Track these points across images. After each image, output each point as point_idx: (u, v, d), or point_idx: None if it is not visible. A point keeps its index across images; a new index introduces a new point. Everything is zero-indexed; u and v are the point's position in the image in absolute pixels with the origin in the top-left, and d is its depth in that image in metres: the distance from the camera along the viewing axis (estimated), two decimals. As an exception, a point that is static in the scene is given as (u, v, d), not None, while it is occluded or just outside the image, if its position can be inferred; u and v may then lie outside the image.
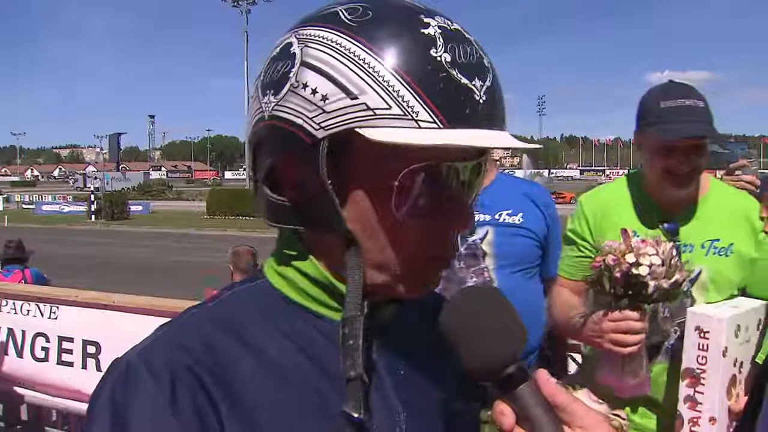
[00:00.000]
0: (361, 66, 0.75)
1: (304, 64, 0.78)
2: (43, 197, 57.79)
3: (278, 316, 0.84)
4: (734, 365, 2.09)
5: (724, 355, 2.03)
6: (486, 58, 0.80)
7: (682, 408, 2.08)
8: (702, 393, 2.06)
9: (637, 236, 1.98)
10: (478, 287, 0.84)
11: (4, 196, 58.76)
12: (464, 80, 0.76)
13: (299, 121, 0.77)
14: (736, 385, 2.12)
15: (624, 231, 1.98)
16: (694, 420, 2.07)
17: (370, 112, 0.74)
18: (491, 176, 2.78)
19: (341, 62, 0.76)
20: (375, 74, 0.75)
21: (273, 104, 0.80)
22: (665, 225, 2.29)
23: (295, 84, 0.78)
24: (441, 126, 0.75)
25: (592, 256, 2.37)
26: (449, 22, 0.79)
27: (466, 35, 0.80)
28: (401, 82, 0.74)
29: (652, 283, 1.88)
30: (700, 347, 2.06)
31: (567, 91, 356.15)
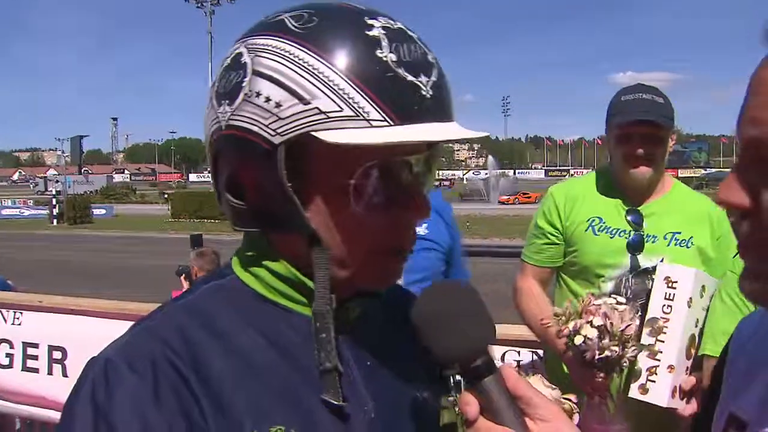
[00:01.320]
0: (311, 72, 0.78)
1: (255, 73, 0.81)
2: (3, 201, 56.56)
3: (249, 311, 0.87)
4: (696, 325, 2.16)
5: (689, 306, 2.11)
6: (430, 54, 0.84)
7: (641, 358, 2.11)
8: (663, 342, 2.11)
9: (597, 302, 2.03)
10: (452, 281, 0.88)
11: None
12: (410, 78, 0.80)
13: (255, 129, 0.80)
14: (694, 348, 2.16)
15: (588, 296, 2.06)
16: (652, 369, 2.10)
17: (323, 116, 0.78)
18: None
19: (291, 69, 0.79)
20: (325, 79, 0.78)
21: (229, 114, 0.83)
22: (630, 216, 2.48)
23: (249, 93, 0.81)
24: (392, 124, 0.79)
25: (559, 242, 2.58)
26: (392, 22, 0.83)
27: (409, 33, 0.83)
28: (350, 85, 0.78)
29: (588, 354, 1.96)
30: (667, 296, 2.13)
31: (531, 92, 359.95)
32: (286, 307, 0.88)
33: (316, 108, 0.78)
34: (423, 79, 0.81)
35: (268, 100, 0.79)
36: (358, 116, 0.78)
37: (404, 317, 0.97)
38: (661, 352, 2.11)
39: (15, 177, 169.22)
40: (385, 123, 0.78)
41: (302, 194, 0.81)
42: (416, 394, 0.95)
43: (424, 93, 0.81)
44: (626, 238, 2.47)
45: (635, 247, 2.47)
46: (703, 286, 2.19)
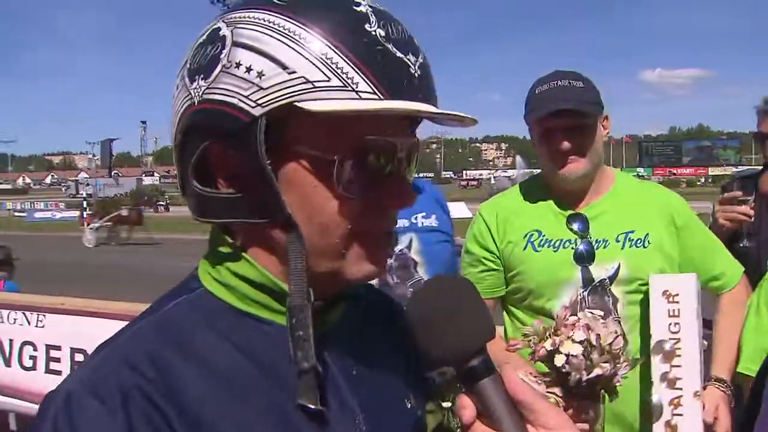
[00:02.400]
0: (297, 41, 0.74)
1: (236, 44, 0.76)
2: (36, 204, 57.48)
3: (224, 327, 0.80)
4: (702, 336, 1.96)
5: (697, 318, 1.90)
6: (415, 38, 0.80)
7: (660, 390, 1.86)
8: (680, 366, 1.85)
9: (571, 317, 1.65)
10: (448, 276, 0.82)
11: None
12: (399, 54, 0.77)
13: (234, 101, 0.75)
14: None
15: (563, 309, 1.68)
16: (675, 401, 1.83)
17: (309, 85, 0.73)
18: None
19: (276, 39, 0.74)
20: (312, 48, 0.74)
21: (204, 88, 0.77)
22: (572, 223, 2.18)
23: (228, 64, 0.75)
24: (381, 97, 0.74)
25: (498, 267, 2.24)
26: (377, 4, 0.80)
27: (393, 15, 0.81)
28: (339, 55, 0.74)
29: (572, 375, 1.57)
30: (671, 313, 1.88)
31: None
32: (264, 319, 0.82)
33: (302, 77, 0.73)
34: (411, 57, 0.78)
35: (249, 69, 0.74)
36: (346, 87, 0.74)
37: (387, 322, 0.93)
38: (681, 378, 1.85)
39: (48, 180, 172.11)
40: (375, 96, 0.74)
41: (279, 174, 0.76)
42: (404, 401, 0.91)
43: (412, 71, 0.77)
44: (572, 248, 2.14)
45: (585, 257, 2.12)
46: (698, 290, 1.98)
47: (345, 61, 0.74)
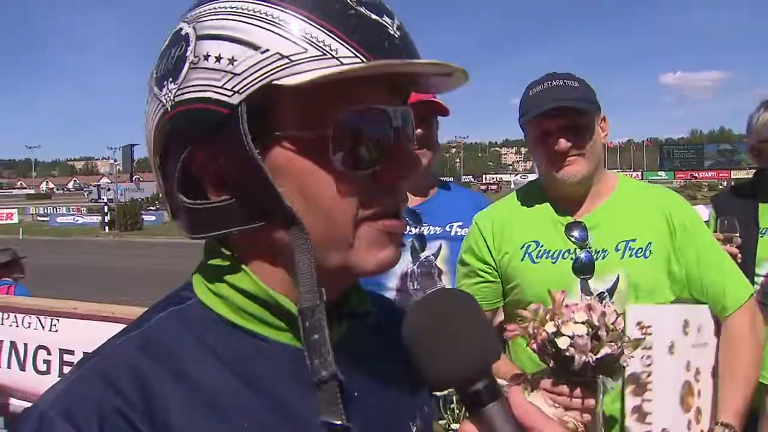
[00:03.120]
0: (265, 19, 0.69)
1: (200, 37, 0.71)
2: (58, 209, 58.17)
3: (215, 342, 0.74)
4: (687, 369, 1.84)
5: (671, 352, 1.78)
6: (386, 2, 0.75)
7: (630, 422, 1.78)
8: (650, 401, 1.77)
9: (568, 300, 1.64)
10: (449, 289, 0.76)
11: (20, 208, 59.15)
12: (374, 16, 0.72)
13: (208, 94, 0.70)
14: (694, 396, 1.85)
15: (553, 294, 1.65)
16: None
17: (286, 60, 0.68)
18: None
19: (242, 21, 0.69)
20: (281, 23, 0.69)
21: (174, 91, 0.72)
22: (571, 232, 2.06)
23: (195, 59, 0.70)
24: (364, 60, 0.69)
25: (495, 279, 2.14)
26: None
27: None
28: (312, 24, 0.69)
29: (577, 357, 1.52)
30: (643, 346, 1.77)
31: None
32: (259, 335, 0.75)
33: (277, 53, 0.68)
34: (387, 19, 0.73)
35: (218, 58, 0.69)
36: (325, 55, 0.68)
37: (396, 339, 0.87)
38: (651, 413, 1.76)
39: (70, 185, 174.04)
40: (356, 59, 0.69)
41: (270, 165, 0.70)
42: (411, 428, 0.85)
43: (391, 32, 0.72)
44: (571, 258, 2.03)
45: (584, 268, 2.01)
46: (686, 321, 1.85)
47: (320, 29, 0.69)
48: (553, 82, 2.01)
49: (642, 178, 47.54)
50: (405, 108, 0.76)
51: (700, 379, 1.87)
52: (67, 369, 4.00)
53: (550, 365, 1.60)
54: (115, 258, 24.44)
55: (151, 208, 49.80)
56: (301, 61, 0.68)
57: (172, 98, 0.72)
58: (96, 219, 44.66)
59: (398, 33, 0.73)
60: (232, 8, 0.70)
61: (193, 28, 0.72)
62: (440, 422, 0.86)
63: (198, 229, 0.76)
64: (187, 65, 0.71)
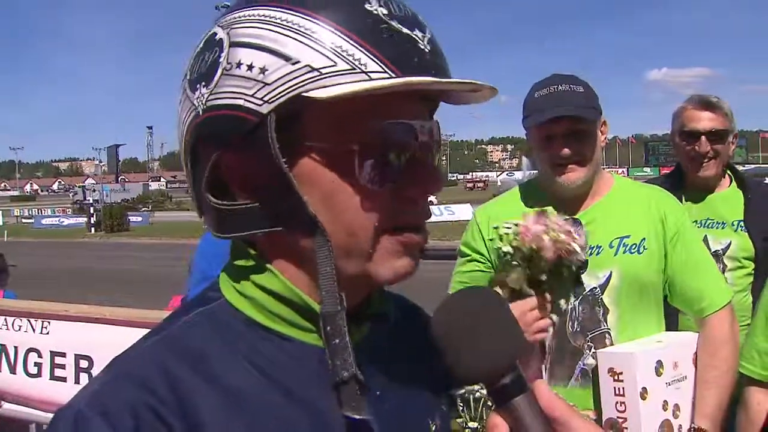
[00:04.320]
0: (297, 30, 0.71)
1: (234, 44, 0.73)
2: (43, 211, 57.69)
3: (242, 343, 0.76)
4: (664, 409, 1.85)
5: (643, 398, 1.78)
6: (420, 15, 0.76)
7: None
8: None
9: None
10: (478, 288, 0.78)
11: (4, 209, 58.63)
12: (406, 30, 0.73)
13: (239, 102, 0.72)
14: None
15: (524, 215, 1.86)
16: None
17: (316, 73, 0.70)
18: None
19: (275, 32, 0.71)
20: (313, 35, 0.70)
21: (206, 95, 0.74)
22: None
23: (228, 66, 0.72)
24: (393, 76, 0.70)
25: (488, 269, 2.20)
26: None
27: None
28: (343, 38, 0.71)
29: (553, 250, 1.79)
30: (617, 392, 1.80)
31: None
32: (285, 335, 0.77)
33: (307, 66, 0.70)
34: (418, 33, 0.74)
35: (250, 67, 0.71)
36: (354, 69, 0.70)
37: (416, 338, 0.87)
38: None
39: (55, 186, 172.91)
40: (386, 75, 0.70)
41: (296, 173, 0.72)
42: (430, 425, 0.86)
43: (422, 47, 0.73)
44: None
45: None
46: (660, 362, 1.84)
47: (350, 43, 0.70)
48: (558, 87, 2.05)
49: (628, 175, 47.90)
50: (431, 122, 0.78)
51: (679, 414, 1.89)
52: (58, 372, 3.97)
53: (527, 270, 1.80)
54: (102, 260, 24.30)
55: (145, 209, 49.66)
56: (330, 75, 0.69)
57: (204, 102, 0.74)
58: (82, 220, 44.34)
59: (429, 47, 0.74)
60: (265, 17, 0.72)
61: (227, 34, 0.74)
62: (458, 420, 0.87)
63: (224, 229, 0.78)
64: (220, 71, 0.73)
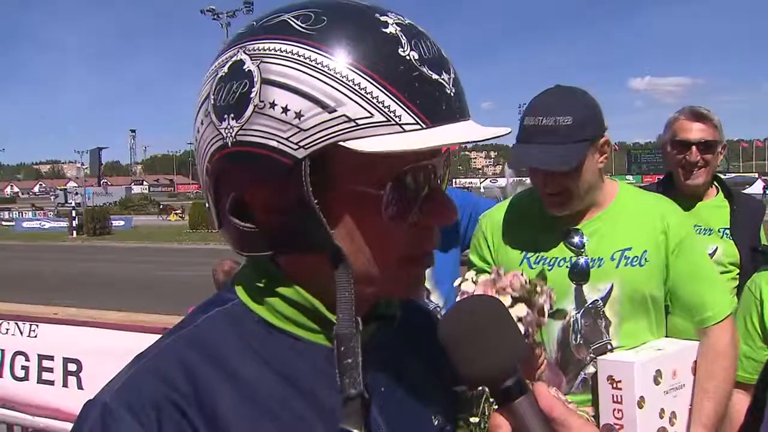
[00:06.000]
0: (332, 76, 0.71)
1: (266, 81, 0.72)
2: (23, 214, 57.02)
3: (257, 341, 0.80)
4: (660, 417, 1.87)
5: (640, 407, 1.82)
6: (442, 49, 0.78)
7: None
8: None
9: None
10: (483, 296, 0.83)
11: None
12: (435, 76, 0.75)
13: (273, 143, 0.72)
14: None
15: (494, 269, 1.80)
16: None
17: (352, 124, 0.71)
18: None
19: (309, 74, 0.71)
20: (349, 83, 0.71)
21: (236, 129, 0.74)
22: (570, 239, 2.09)
23: (260, 105, 0.72)
24: (424, 126, 0.73)
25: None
26: (401, 18, 0.77)
27: (420, 28, 0.77)
28: (378, 88, 0.71)
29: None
30: (615, 399, 1.83)
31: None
32: (296, 336, 0.81)
33: (344, 116, 0.70)
34: (445, 76, 0.76)
35: (285, 110, 0.71)
36: (390, 121, 0.71)
37: (421, 337, 0.92)
38: None
39: (36, 189, 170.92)
40: (418, 126, 0.72)
41: (325, 209, 0.73)
42: (432, 420, 0.90)
43: (448, 91, 0.75)
44: (567, 267, 2.06)
45: (579, 275, 2.04)
46: (659, 371, 1.87)
47: (385, 94, 0.71)
48: (545, 121, 1.95)
49: (610, 182, 47.77)
50: (444, 155, 0.81)
51: (675, 421, 1.92)
52: (45, 375, 3.97)
53: None
54: (84, 263, 24.10)
55: (129, 214, 49.37)
56: (366, 126, 0.71)
57: (233, 135, 0.74)
58: (63, 224, 43.89)
59: (454, 90, 0.76)
60: (300, 56, 0.72)
61: (258, 67, 0.73)
62: (460, 415, 0.91)
63: (245, 247, 0.81)
64: (251, 108, 0.73)
